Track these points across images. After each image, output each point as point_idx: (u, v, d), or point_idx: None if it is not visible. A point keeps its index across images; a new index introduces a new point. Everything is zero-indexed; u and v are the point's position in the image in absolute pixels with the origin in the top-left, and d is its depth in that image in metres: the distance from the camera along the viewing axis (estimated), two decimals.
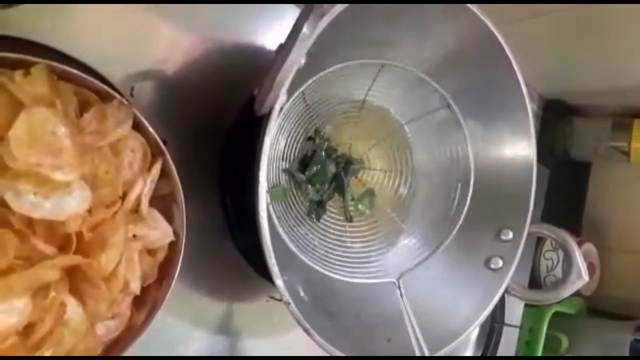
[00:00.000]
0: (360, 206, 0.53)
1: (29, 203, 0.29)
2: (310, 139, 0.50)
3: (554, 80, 0.94)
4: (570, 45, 0.84)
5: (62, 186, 0.30)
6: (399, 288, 0.49)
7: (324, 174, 0.50)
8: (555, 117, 1.00)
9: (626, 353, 0.88)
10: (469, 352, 0.74)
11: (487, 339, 0.76)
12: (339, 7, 0.34)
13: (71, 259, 0.31)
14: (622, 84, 0.88)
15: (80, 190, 0.30)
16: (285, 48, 0.32)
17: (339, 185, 0.51)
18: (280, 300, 0.54)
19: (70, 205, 0.30)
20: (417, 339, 0.44)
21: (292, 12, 0.51)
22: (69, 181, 0.30)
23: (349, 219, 0.54)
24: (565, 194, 1.02)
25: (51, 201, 0.29)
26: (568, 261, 0.54)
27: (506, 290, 0.54)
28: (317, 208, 0.51)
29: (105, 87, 0.34)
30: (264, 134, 0.33)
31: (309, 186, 0.48)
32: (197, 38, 0.46)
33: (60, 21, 0.40)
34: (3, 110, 0.29)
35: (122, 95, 0.35)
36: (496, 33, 0.50)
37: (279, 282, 0.36)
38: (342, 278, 0.47)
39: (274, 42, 0.47)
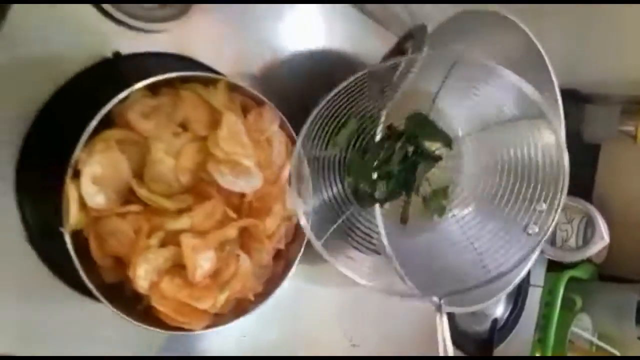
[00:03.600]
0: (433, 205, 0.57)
1: (230, 181, 0.40)
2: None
3: (568, 72, 1.04)
4: (584, 41, 0.95)
5: (246, 169, 0.41)
6: (440, 308, 0.50)
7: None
8: (569, 104, 1.10)
9: (633, 312, 1.01)
10: (500, 308, 0.87)
11: (515, 297, 0.88)
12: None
13: (247, 222, 0.43)
14: (631, 75, 1.00)
15: (257, 172, 0.42)
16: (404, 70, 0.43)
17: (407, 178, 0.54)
18: None
19: (253, 183, 0.42)
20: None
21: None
22: (250, 166, 0.42)
23: (404, 220, 0.56)
24: (577, 173, 1.13)
25: (241, 180, 0.41)
26: (591, 226, 0.66)
27: (541, 251, 0.67)
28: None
29: (258, 94, 0.45)
30: None
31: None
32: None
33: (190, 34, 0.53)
34: (206, 114, 0.41)
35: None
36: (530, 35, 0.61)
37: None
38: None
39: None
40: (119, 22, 0.48)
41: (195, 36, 0.53)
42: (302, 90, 0.60)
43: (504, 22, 0.60)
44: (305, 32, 0.62)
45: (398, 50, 0.49)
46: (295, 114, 0.48)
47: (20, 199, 0.43)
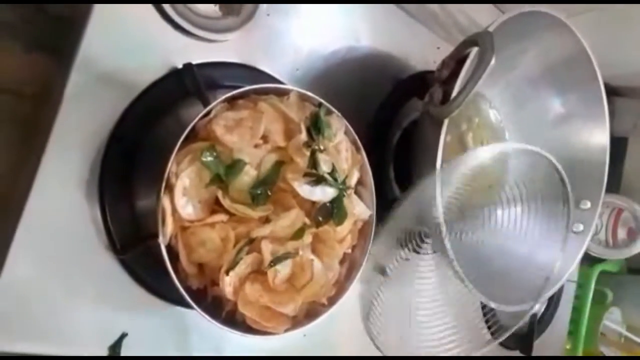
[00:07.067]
0: None
1: (308, 190, 0.41)
2: None
3: (597, 64, 1.05)
4: (613, 34, 0.96)
5: (322, 178, 0.43)
6: None
7: None
8: None
9: None
10: (539, 304, 0.88)
11: None
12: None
13: (322, 228, 0.44)
14: None
15: (332, 181, 0.43)
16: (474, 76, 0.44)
17: None
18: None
19: (329, 192, 0.43)
20: None
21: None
22: (326, 175, 0.43)
23: None
24: None
25: (317, 189, 0.42)
26: (637, 224, 0.67)
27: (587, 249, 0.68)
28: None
29: (326, 103, 0.46)
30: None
31: None
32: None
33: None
34: (282, 125, 0.42)
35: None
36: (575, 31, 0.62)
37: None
38: None
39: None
40: (185, 32, 0.49)
41: (254, 45, 0.54)
42: (353, 94, 0.62)
43: (553, 23, 0.61)
44: (352, 38, 0.63)
45: (458, 56, 0.50)
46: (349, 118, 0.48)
47: (102, 207, 0.44)
